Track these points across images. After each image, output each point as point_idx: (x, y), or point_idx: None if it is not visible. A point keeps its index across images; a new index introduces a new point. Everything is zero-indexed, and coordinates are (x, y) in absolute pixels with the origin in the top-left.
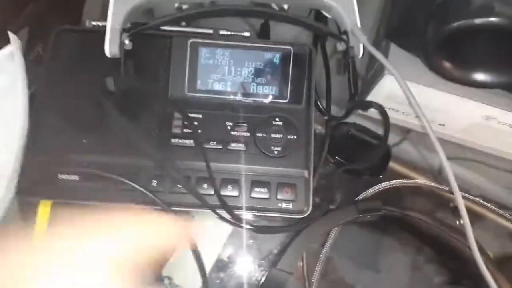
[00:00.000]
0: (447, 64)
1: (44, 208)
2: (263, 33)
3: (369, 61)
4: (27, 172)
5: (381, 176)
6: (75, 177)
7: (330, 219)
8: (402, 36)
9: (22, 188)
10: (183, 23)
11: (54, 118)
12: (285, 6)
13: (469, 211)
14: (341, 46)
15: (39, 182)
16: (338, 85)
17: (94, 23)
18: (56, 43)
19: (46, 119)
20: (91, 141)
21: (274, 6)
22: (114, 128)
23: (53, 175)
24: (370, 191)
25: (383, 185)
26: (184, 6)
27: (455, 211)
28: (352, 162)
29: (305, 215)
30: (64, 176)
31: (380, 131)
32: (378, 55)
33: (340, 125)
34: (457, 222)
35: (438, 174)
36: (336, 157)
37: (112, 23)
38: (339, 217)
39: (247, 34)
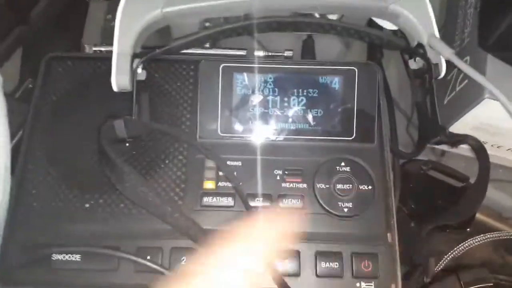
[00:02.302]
0: None
1: None
2: (307, 52)
3: (442, 82)
4: (8, 252)
5: (468, 229)
6: (76, 257)
7: None
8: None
9: (2, 275)
10: (208, 45)
11: (45, 175)
12: (333, 17)
13: None
14: (416, 64)
15: (26, 265)
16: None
17: (96, 48)
18: (47, 74)
19: (35, 176)
20: (96, 206)
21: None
22: (125, 188)
23: (45, 255)
24: (459, 248)
25: (477, 240)
26: (207, 24)
27: None
28: (431, 211)
29: None
30: (60, 257)
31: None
32: (476, 75)
33: (410, 163)
34: None
35: None
36: (412, 205)
37: (120, 47)
38: None
39: (289, 53)
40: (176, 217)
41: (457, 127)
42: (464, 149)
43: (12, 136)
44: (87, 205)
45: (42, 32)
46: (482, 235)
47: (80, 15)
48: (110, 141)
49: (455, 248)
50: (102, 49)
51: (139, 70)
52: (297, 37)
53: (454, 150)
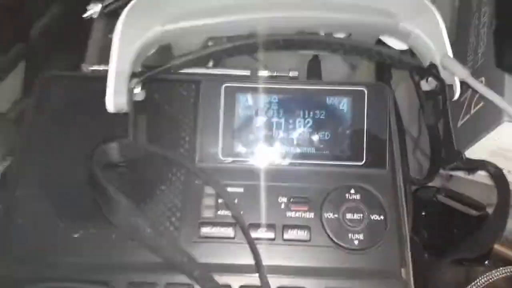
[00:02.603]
0: None
1: None
2: (313, 72)
3: (454, 104)
4: None
5: (486, 262)
6: None
7: None
8: None
9: None
10: (211, 65)
11: (32, 203)
12: (340, 36)
13: None
14: (428, 85)
15: None
16: None
17: (93, 68)
18: (41, 95)
19: (23, 203)
20: (86, 236)
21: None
22: (117, 218)
23: None
24: (478, 283)
25: (498, 274)
26: (210, 43)
27: None
28: (446, 241)
29: None
30: None
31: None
32: (495, 97)
33: (423, 190)
34: None
35: None
36: (425, 235)
37: (117, 66)
38: None
39: (294, 74)
40: (170, 251)
41: (472, 152)
42: (476, 174)
43: (3, 160)
44: (76, 235)
45: (42, 50)
46: (502, 268)
47: (83, 34)
48: (102, 166)
49: (473, 284)
50: (101, 68)
51: (137, 90)
52: (303, 58)
53: (465, 176)
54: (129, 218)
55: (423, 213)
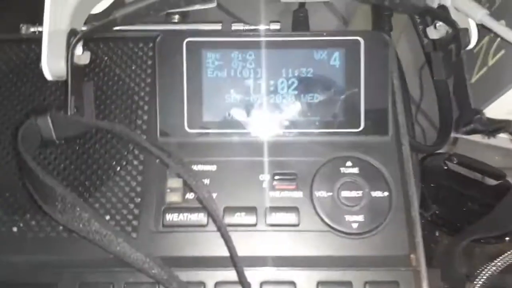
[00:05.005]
0: None
1: None
2: (299, 25)
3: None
4: None
5: (507, 239)
6: None
7: None
8: None
9: None
10: (175, 19)
11: None
12: None
13: None
14: (436, 33)
15: None
16: None
17: (34, 29)
18: None
19: None
20: (26, 230)
21: None
22: (54, 210)
23: None
24: (498, 264)
25: None
26: None
27: None
28: (460, 216)
29: None
30: None
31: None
32: None
33: (431, 158)
34: None
35: None
36: (436, 211)
37: (53, 24)
38: None
39: (276, 26)
40: (123, 248)
41: (489, 112)
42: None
43: None
44: (15, 229)
45: None
46: None
47: None
48: (35, 146)
49: (492, 264)
50: (40, 29)
51: (79, 51)
52: (287, 9)
53: (470, 137)
54: (67, 209)
55: (432, 185)
